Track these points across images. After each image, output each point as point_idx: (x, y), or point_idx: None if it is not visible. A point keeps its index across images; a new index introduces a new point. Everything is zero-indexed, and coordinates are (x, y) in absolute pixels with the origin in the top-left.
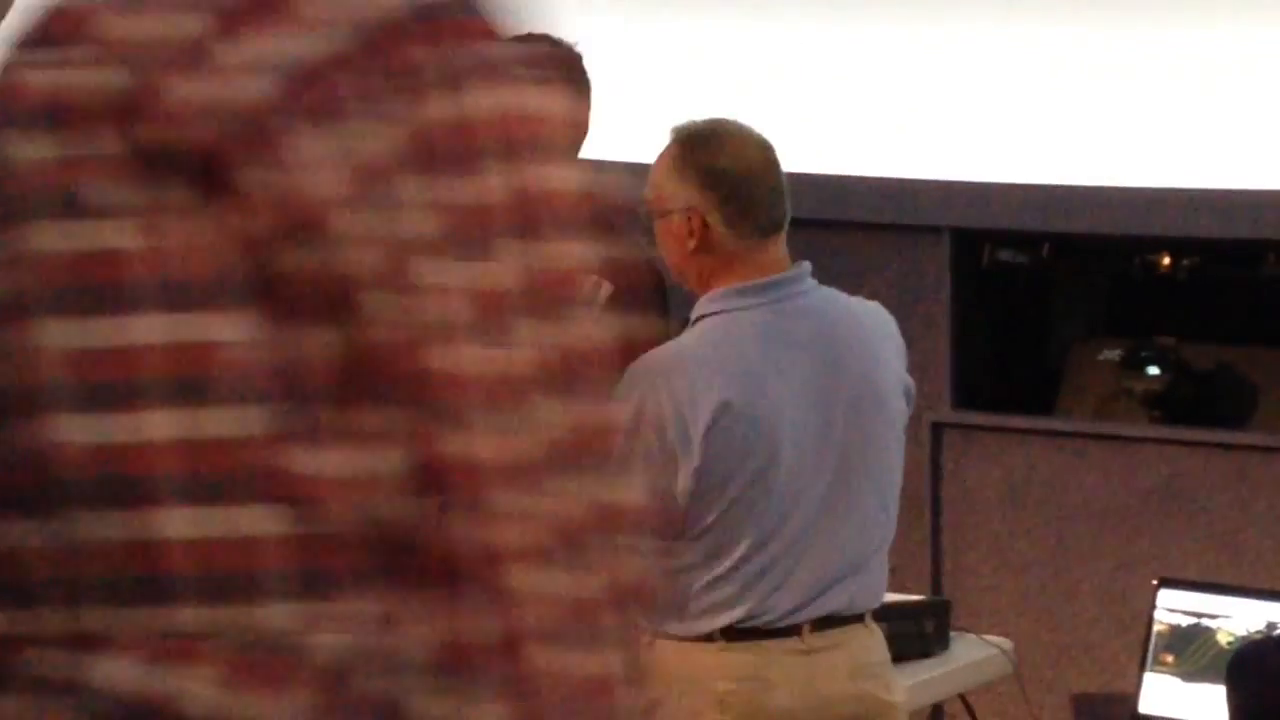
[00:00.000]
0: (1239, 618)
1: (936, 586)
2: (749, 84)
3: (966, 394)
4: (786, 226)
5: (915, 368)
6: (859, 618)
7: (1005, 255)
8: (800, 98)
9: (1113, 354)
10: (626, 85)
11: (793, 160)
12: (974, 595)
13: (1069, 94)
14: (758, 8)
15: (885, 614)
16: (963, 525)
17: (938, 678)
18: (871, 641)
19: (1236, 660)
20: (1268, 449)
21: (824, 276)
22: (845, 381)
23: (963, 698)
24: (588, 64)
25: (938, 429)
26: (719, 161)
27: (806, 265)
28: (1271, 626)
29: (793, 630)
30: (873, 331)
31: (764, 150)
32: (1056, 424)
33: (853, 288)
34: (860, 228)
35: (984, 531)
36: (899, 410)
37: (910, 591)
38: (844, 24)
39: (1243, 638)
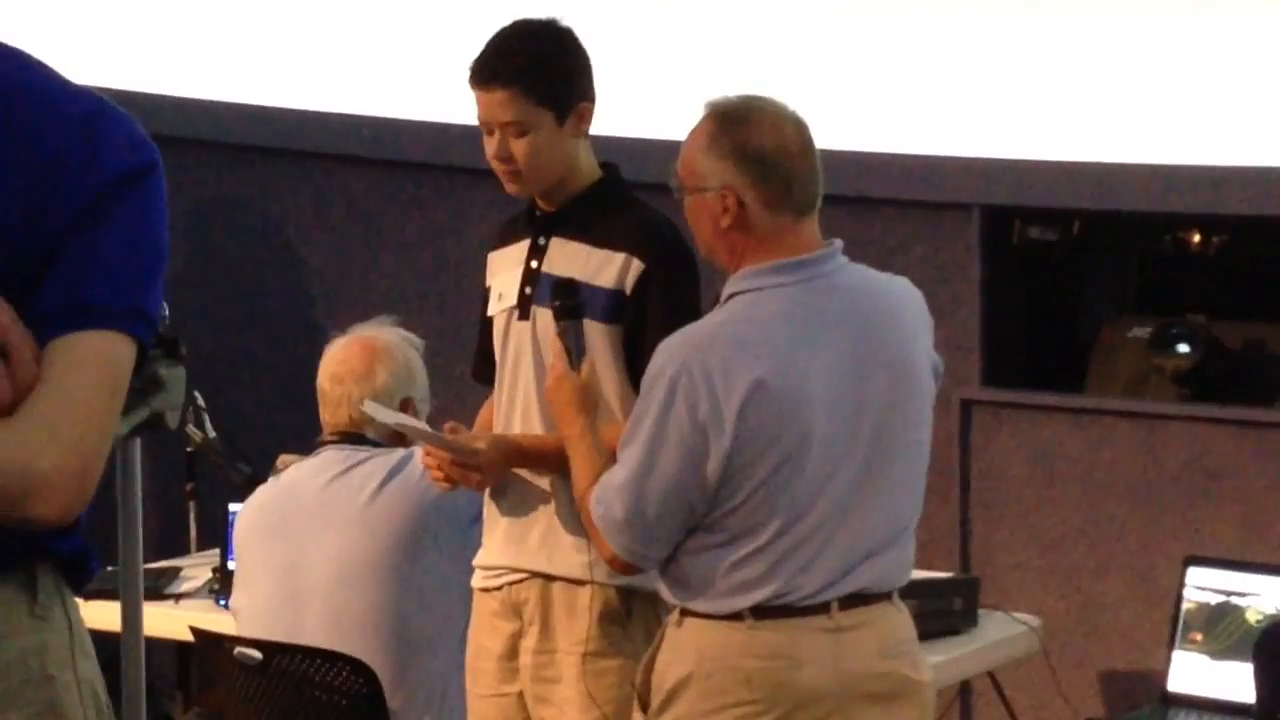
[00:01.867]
0: (1268, 595)
1: (965, 564)
2: (779, 60)
3: (996, 371)
4: (819, 204)
5: (945, 345)
6: (887, 596)
7: (1035, 232)
8: (830, 75)
9: (1143, 331)
10: (656, 60)
11: (823, 137)
12: (1003, 573)
13: (1099, 71)
14: None
15: (914, 591)
16: (992, 503)
17: (966, 655)
18: (899, 620)
19: (1265, 638)
20: None
21: (854, 254)
22: (878, 359)
23: (991, 675)
24: (580, 36)
25: (967, 406)
26: (756, 141)
27: (838, 243)
28: None
29: (821, 608)
30: (903, 308)
31: (799, 128)
32: (1086, 401)
33: (883, 265)
34: (890, 205)
35: (1013, 509)
36: (929, 387)
37: (939, 569)
38: (874, 1)
39: (1271, 615)
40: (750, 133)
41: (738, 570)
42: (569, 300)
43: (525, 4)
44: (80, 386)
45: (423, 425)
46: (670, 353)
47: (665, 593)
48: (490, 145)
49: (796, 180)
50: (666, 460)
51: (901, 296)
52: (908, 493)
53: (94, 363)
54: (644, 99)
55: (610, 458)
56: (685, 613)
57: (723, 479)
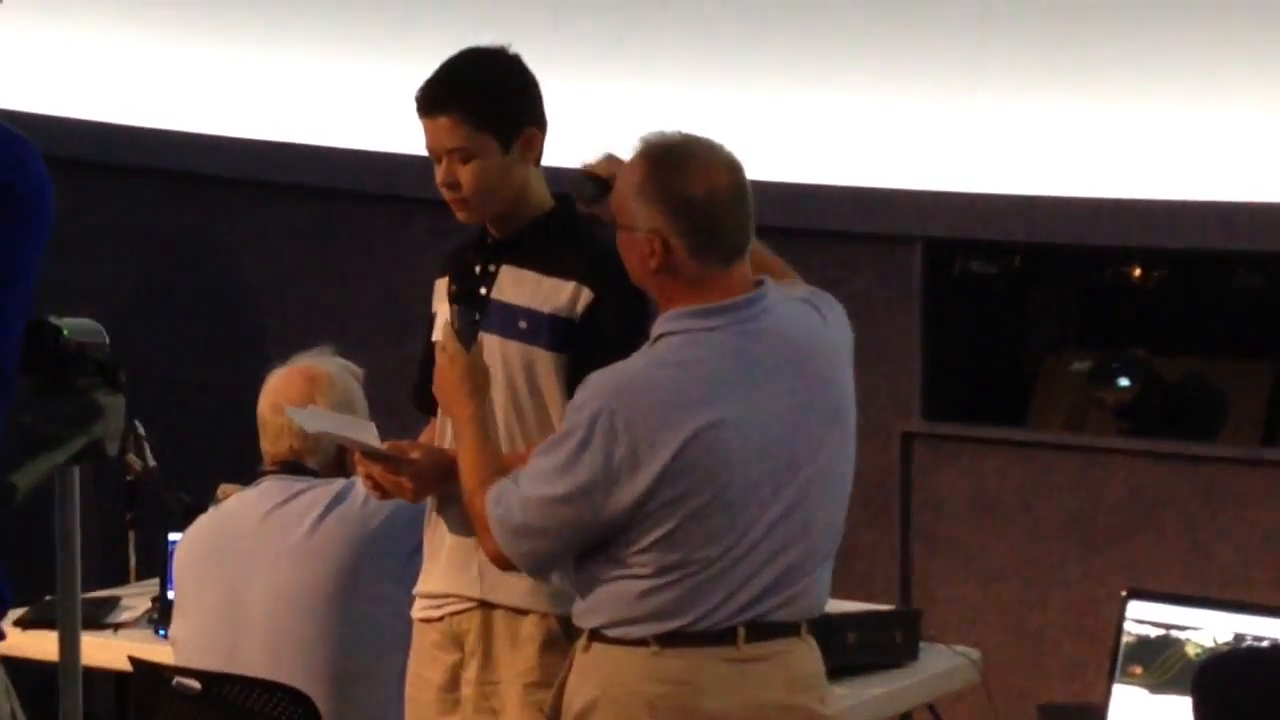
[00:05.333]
0: (1207, 629)
1: (906, 596)
2: (723, 91)
3: (937, 404)
4: (751, 247)
5: (886, 377)
6: (796, 630)
7: (977, 265)
8: (775, 106)
9: (1083, 365)
10: (606, 91)
11: (767, 169)
12: (943, 605)
13: (1041, 106)
14: (735, 17)
15: (854, 623)
16: (932, 535)
17: (907, 687)
18: (808, 654)
19: (1204, 672)
20: (1237, 461)
21: None
22: (808, 402)
23: (931, 707)
24: (526, 62)
25: (909, 439)
26: (687, 189)
27: (768, 283)
28: (1239, 638)
29: (727, 637)
30: (828, 341)
31: (733, 173)
32: (1027, 434)
33: None
34: (833, 237)
35: (954, 541)
36: (854, 422)
37: (879, 601)
38: (820, 33)
39: (1211, 649)
40: (682, 179)
41: (648, 599)
42: (465, 284)
43: (473, 35)
44: None
45: (355, 423)
46: (595, 391)
47: (576, 617)
48: (439, 173)
49: (725, 229)
50: (573, 493)
51: (827, 324)
52: (828, 528)
53: None
54: (595, 130)
55: (498, 446)
56: (593, 637)
57: (635, 520)
